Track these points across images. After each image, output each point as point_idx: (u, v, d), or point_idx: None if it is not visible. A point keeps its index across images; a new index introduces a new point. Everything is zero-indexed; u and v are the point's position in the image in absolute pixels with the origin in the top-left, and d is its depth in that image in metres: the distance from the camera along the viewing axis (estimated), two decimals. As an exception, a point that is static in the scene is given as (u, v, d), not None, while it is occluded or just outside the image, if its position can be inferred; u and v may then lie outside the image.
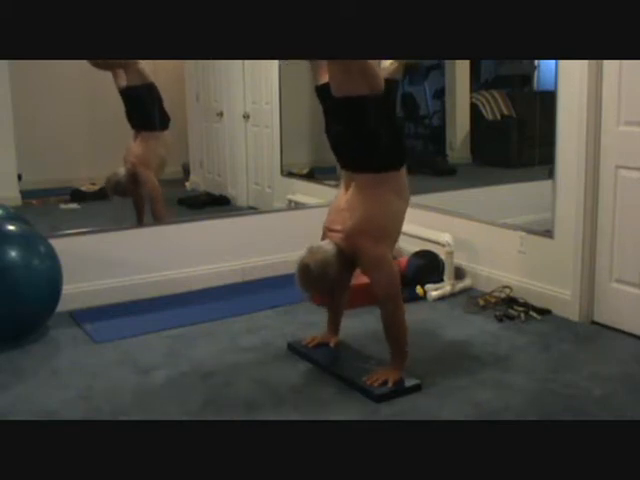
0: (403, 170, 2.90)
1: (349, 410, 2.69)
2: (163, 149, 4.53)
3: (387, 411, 2.67)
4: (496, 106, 5.39)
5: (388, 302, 2.82)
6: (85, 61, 4.07)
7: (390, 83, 2.94)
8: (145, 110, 4.47)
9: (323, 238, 2.95)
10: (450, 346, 3.30)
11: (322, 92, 2.92)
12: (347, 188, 2.91)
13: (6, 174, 4.26)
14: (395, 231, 2.92)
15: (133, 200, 4.47)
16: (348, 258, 2.82)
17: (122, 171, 4.41)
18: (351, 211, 2.83)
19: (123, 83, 4.38)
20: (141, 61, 4.34)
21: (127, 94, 4.39)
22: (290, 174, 5.16)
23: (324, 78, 2.88)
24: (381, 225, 2.82)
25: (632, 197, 3.27)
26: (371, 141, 2.79)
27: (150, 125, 4.48)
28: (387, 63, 3.04)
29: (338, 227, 2.86)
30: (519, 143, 5.17)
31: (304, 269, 2.76)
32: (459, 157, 5.68)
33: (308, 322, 3.55)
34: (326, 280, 2.78)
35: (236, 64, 5.08)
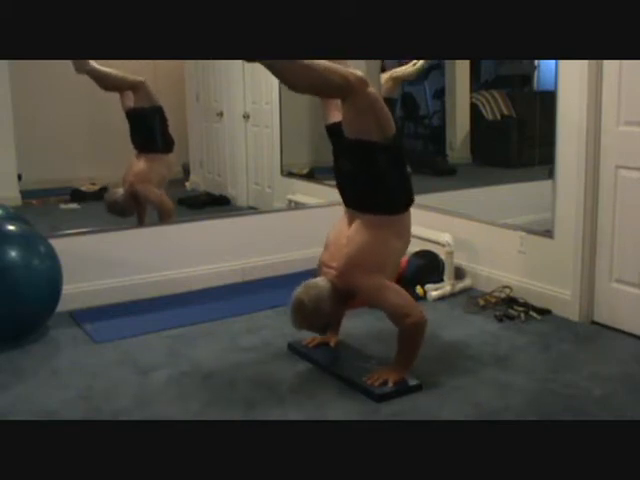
0: (408, 213, 2.90)
1: (349, 410, 2.69)
2: (165, 169, 4.49)
3: (387, 411, 2.67)
4: (496, 106, 5.39)
5: (402, 320, 2.78)
6: (96, 83, 4.17)
7: (387, 102, 2.93)
8: (150, 132, 4.43)
9: (319, 273, 2.95)
10: (450, 346, 3.30)
11: (332, 131, 2.92)
12: (350, 223, 2.91)
13: (6, 174, 4.27)
14: (389, 268, 2.87)
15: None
16: (343, 294, 2.83)
17: (120, 191, 4.38)
18: (349, 248, 2.83)
19: (130, 104, 4.36)
20: (149, 84, 4.35)
21: (134, 115, 4.38)
22: (290, 174, 5.16)
23: (335, 117, 2.88)
24: (374, 259, 2.80)
25: (632, 197, 3.27)
26: (378, 183, 2.80)
27: (154, 147, 4.44)
28: (383, 81, 3.02)
29: (334, 264, 2.87)
30: (519, 143, 5.17)
31: (298, 303, 2.77)
32: (459, 157, 5.68)
33: (308, 322, 3.55)
34: (319, 316, 2.80)
35: (236, 64, 5.07)
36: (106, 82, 4.30)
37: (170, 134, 4.49)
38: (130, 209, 4.38)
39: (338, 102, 2.78)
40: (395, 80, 3.05)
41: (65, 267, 3.48)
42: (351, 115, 2.71)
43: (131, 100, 4.36)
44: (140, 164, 4.42)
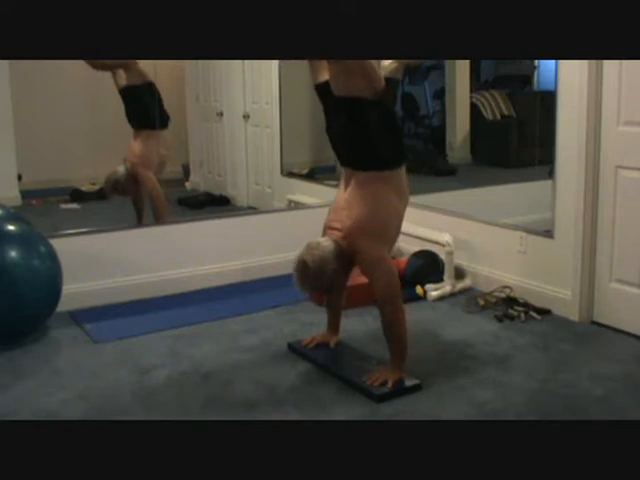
0: (402, 170, 2.91)
1: (349, 410, 2.69)
2: (163, 148, 4.54)
3: (387, 411, 2.68)
4: (496, 106, 5.39)
5: (387, 303, 2.82)
6: (84, 61, 4.08)
7: (390, 82, 2.94)
8: (145, 109, 4.47)
9: (323, 234, 2.95)
10: (450, 346, 3.30)
11: (322, 90, 2.92)
12: (347, 186, 2.91)
13: (6, 174, 4.26)
14: (394, 230, 2.92)
15: (133, 200, 4.47)
16: (346, 256, 2.82)
17: (122, 170, 4.41)
18: (350, 210, 2.84)
19: (123, 82, 4.39)
20: (140, 61, 4.35)
21: (127, 93, 4.39)
22: (290, 174, 5.16)
23: (324, 76, 2.88)
24: (380, 224, 2.82)
25: (632, 197, 3.27)
26: (371, 139, 2.81)
27: (150, 124, 4.48)
28: (387, 62, 3.04)
29: (337, 225, 2.87)
30: (519, 143, 5.16)
31: (302, 265, 2.76)
32: (459, 157, 5.68)
33: (308, 322, 3.55)
34: (324, 277, 2.78)
35: (236, 64, 5.08)
36: (97, 61, 4.30)
37: (165, 109, 4.52)
38: (130, 189, 4.42)
39: (325, 62, 2.78)
40: (401, 62, 3.06)
41: (65, 267, 3.48)
42: (339, 73, 2.72)
43: (123, 79, 4.38)
44: (139, 145, 4.45)
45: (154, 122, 4.48)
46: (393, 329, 2.84)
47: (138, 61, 4.34)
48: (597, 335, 3.39)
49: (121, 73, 4.38)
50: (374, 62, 2.76)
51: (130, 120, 4.41)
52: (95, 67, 4.28)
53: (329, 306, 3.23)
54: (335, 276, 2.81)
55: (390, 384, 2.80)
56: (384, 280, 2.81)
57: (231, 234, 4.30)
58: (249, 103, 5.19)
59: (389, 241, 2.89)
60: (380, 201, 2.83)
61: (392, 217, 2.89)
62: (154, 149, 4.48)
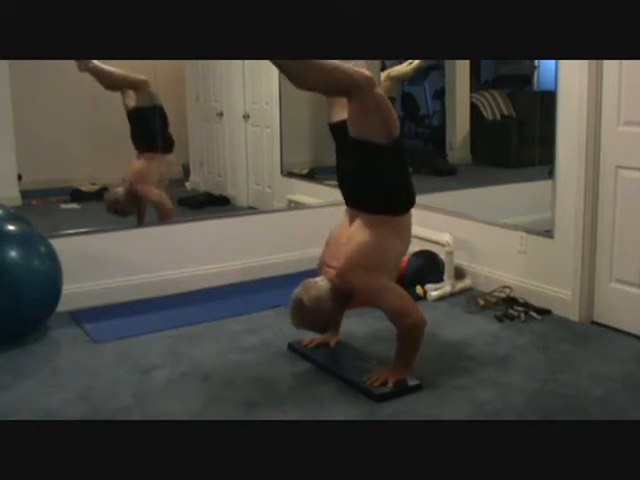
0: (409, 215, 2.91)
1: (349, 410, 2.69)
2: (164, 168, 4.49)
3: (387, 411, 2.67)
4: (496, 106, 5.38)
5: (401, 320, 2.78)
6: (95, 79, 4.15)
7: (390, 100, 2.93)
8: (151, 132, 4.44)
9: (319, 272, 2.95)
10: (450, 346, 3.30)
11: (336, 130, 2.92)
12: (351, 222, 2.91)
13: (6, 174, 4.26)
14: (389, 267, 2.87)
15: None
16: (343, 294, 2.82)
17: (120, 191, 4.39)
18: (349, 247, 2.84)
19: (132, 103, 4.36)
20: (151, 83, 4.36)
21: (135, 115, 4.38)
22: (290, 174, 5.16)
23: (339, 115, 2.87)
24: (374, 259, 2.80)
25: (632, 197, 3.27)
26: (380, 184, 2.81)
27: (154, 147, 4.45)
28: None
29: (334, 263, 2.87)
30: (519, 143, 5.16)
31: (298, 303, 2.77)
32: (459, 157, 5.68)
33: (308, 322, 3.55)
34: (320, 316, 2.79)
35: (236, 64, 5.08)
36: (108, 81, 4.30)
37: (170, 134, 4.50)
38: (130, 208, 4.38)
39: (343, 100, 2.77)
40: (393, 79, 3.06)
41: (65, 267, 3.48)
42: (357, 114, 2.71)
43: (132, 99, 4.36)
44: (140, 163, 4.43)
45: (158, 146, 4.45)
46: (408, 341, 2.82)
47: (149, 83, 4.33)
48: (597, 335, 3.39)
49: (130, 94, 4.35)
50: (391, 107, 2.75)
51: (135, 141, 4.39)
52: (108, 87, 4.28)
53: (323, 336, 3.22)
54: (330, 315, 2.83)
55: (390, 384, 2.79)
56: (391, 305, 2.80)
57: (231, 234, 4.30)
58: (249, 103, 5.19)
59: (387, 273, 2.84)
60: (380, 240, 2.81)
61: (388, 255, 2.85)
62: (155, 168, 4.43)
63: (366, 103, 2.67)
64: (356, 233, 2.84)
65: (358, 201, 2.90)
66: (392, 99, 3.13)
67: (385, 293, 2.80)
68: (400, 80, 3.17)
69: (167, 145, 4.49)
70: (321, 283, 2.81)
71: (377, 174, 2.79)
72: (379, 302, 2.83)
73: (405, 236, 2.92)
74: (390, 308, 2.80)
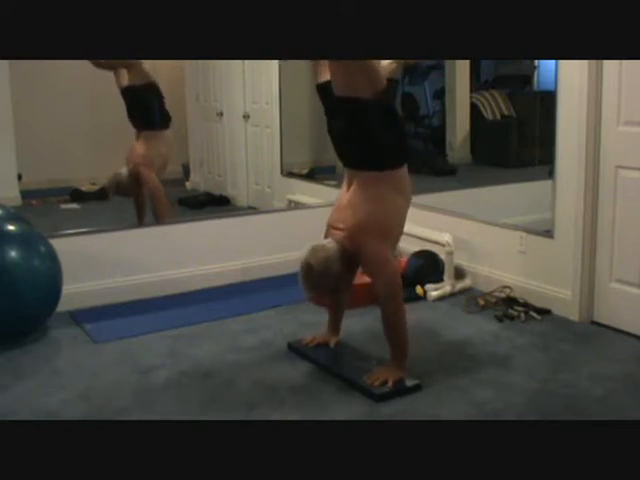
0: (405, 168, 2.91)
1: (349, 410, 2.69)
2: (165, 148, 4.52)
3: (387, 411, 2.67)
4: (496, 106, 5.39)
5: (389, 302, 2.82)
6: (86, 61, 4.07)
7: (390, 83, 2.94)
8: (147, 109, 4.45)
9: (326, 236, 2.95)
10: (450, 346, 3.30)
11: (323, 90, 2.92)
12: (349, 186, 2.92)
13: (6, 174, 4.27)
14: (397, 229, 2.93)
15: (134, 200, 4.47)
16: (350, 256, 2.82)
17: (124, 171, 4.40)
18: (353, 209, 2.84)
19: (125, 82, 4.37)
20: (144, 61, 4.34)
21: (129, 93, 4.38)
22: (290, 174, 5.16)
23: (325, 76, 2.88)
24: (383, 223, 2.83)
25: (632, 197, 3.27)
26: (372, 140, 2.81)
27: (152, 124, 4.47)
28: (386, 63, 3.05)
29: (341, 225, 2.87)
30: (519, 143, 5.17)
31: (306, 268, 2.76)
32: (459, 157, 5.68)
33: (308, 322, 3.55)
34: (328, 278, 2.79)
35: (236, 64, 5.08)
36: (100, 60, 4.28)
37: (166, 109, 4.50)
38: (132, 190, 4.41)
39: (328, 62, 2.79)
40: (399, 62, 3.07)
41: (65, 267, 3.48)
42: (339, 72, 2.72)
43: (125, 78, 4.36)
44: (142, 145, 4.44)
45: (156, 122, 4.47)
46: (394, 328, 2.85)
47: (142, 61, 4.33)
48: (597, 335, 3.39)
49: (123, 73, 4.35)
50: (375, 62, 2.76)
51: (132, 120, 4.40)
52: (98, 66, 4.26)
53: (332, 306, 3.23)
54: (340, 277, 2.82)
55: (390, 384, 2.80)
56: (386, 278, 2.82)
57: (231, 234, 4.30)
58: (249, 103, 5.20)
59: (392, 240, 2.90)
60: (383, 201, 2.84)
61: (395, 216, 2.89)
62: (157, 149, 4.46)
63: (351, 66, 2.66)
64: (357, 194, 2.84)
65: (353, 160, 2.91)
66: (396, 81, 3.14)
67: (388, 267, 2.81)
68: (406, 65, 3.20)
69: (164, 121, 4.50)
70: (329, 245, 2.82)
71: (366, 130, 2.79)
72: (379, 272, 2.83)
73: (406, 191, 2.92)
74: (387, 283, 2.81)
